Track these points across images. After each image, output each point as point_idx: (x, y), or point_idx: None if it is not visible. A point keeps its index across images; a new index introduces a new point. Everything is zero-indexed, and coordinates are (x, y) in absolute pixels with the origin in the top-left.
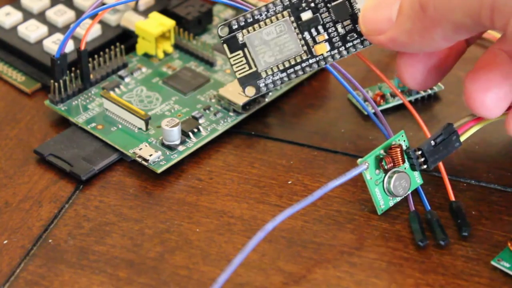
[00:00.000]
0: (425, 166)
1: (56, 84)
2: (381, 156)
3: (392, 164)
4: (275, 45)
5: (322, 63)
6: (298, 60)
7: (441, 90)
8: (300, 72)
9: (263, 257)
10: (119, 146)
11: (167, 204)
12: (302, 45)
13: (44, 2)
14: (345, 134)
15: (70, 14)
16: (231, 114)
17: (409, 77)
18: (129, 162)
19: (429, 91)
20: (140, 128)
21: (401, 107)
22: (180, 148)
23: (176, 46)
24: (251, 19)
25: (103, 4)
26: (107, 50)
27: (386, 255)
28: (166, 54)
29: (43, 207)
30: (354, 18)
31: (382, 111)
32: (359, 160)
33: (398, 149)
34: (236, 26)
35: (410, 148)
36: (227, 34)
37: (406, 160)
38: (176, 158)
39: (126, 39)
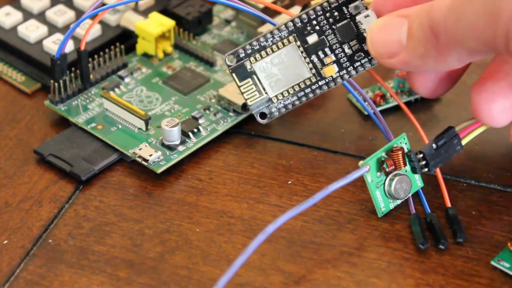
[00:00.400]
0: (426, 169)
1: (56, 84)
2: (383, 159)
3: (393, 167)
4: (284, 71)
5: (332, 84)
6: (308, 83)
7: None
8: (311, 95)
9: (263, 257)
10: (119, 146)
11: (167, 204)
12: (311, 68)
13: (44, 2)
14: (345, 134)
15: (70, 14)
16: (231, 114)
17: (421, 86)
18: (129, 162)
19: None
20: (140, 128)
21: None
22: (180, 148)
23: (176, 46)
24: (258, 46)
25: (103, 4)
26: (107, 50)
27: (386, 255)
28: (166, 54)
29: (43, 207)
30: (360, 38)
31: (382, 111)
32: (361, 162)
33: (400, 152)
34: (243, 54)
35: (411, 151)
36: (235, 63)
37: (407, 162)
38: (176, 158)
39: (126, 39)
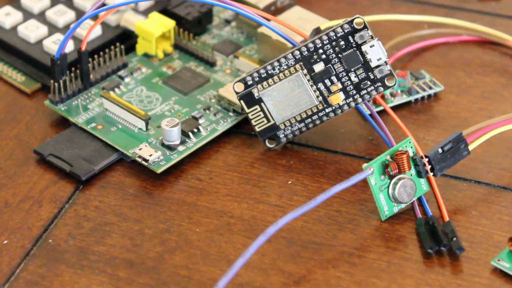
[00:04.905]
0: (431, 174)
1: (56, 84)
2: (387, 162)
3: (397, 170)
4: (290, 99)
5: (339, 111)
6: (315, 110)
7: (441, 90)
8: (318, 122)
9: (263, 257)
10: (119, 146)
11: (167, 204)
12: (317, 96)
13: (44, 2)
14: (345, 134)
15: (70, 14)
16: (231, 114)
17: None
18: (129, 162)
19: (429, 91)
20: (140, 128)
21: (400, 107)
22: (180, 148)
23: (176, 46)
24: (265, 74)
25: (104, 5)
26: (107, 50)
27: (386, 255)
28: (166, 54)
29: (43, 207)
30: (366, 66)
31: (382, 111)
32: (364, 165)
33: (404, 156)
34: (251, 82)
35: (417, 155)
36: (243, 90)
37: (412, 167)
38: (176, 158)
39: (126, 39)
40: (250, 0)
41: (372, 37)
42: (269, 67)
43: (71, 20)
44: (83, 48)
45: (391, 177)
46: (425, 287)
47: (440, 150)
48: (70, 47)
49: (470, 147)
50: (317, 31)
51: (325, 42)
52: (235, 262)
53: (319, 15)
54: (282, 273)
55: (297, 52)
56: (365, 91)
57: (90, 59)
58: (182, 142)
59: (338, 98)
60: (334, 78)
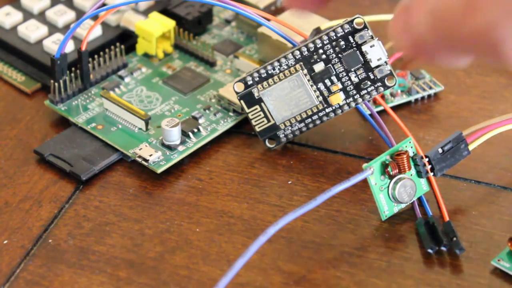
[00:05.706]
0: (431, 174)
1: (56, 84)
2: (387, 162)
3: (397, 170)
4: (290, 99)
5: (339, 111)
6: (315, 110)
7: (441, 90)
8: (318, 122)
9: (263, 257)
10: (119, 146)
11: (167, 204)
12: (317, 96)
13: (44, 2)
14: (345, 134)
15: (70, 14)
16: (231, 114)
17: None
18: (129, 162)
19: (429, 91)
20: (140, 128)
21: (400, 107)
22: (180, 148)
23: (176, 46)
24: (265, 74)
25: (104, 5)
26: (107, 50)
27: (386, 255)
28: (166, 54)
29: (43, 207)
30: (366, 66)
31: (382, 111)
32: (364, 165)
33: (405, 156)
34: (251, 82)
35: (417, 155)
36: (243, 90)
37: (412, 167)
38: (176, 158)
39: (126, 39)
40: (250, 0)
41: (372, 37)
42: (269, 67)
43: (71, 20)
44: (83, 48)
45: (391, 177)
46: (425, 287)
47: (440, 150)
48: (70, 47)
49: (470, 147)
50: (317, 31)
51: (325, 42)
52: (235, 262)
53: (319, 15)
54: (282, 273)
55: (297, 52)
56: (365, 91)
57: (90, 59)
58: (182, 142)
59: (338, 98)
60: (334, 78)
